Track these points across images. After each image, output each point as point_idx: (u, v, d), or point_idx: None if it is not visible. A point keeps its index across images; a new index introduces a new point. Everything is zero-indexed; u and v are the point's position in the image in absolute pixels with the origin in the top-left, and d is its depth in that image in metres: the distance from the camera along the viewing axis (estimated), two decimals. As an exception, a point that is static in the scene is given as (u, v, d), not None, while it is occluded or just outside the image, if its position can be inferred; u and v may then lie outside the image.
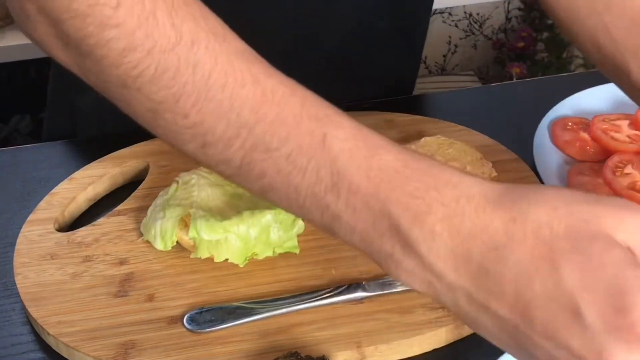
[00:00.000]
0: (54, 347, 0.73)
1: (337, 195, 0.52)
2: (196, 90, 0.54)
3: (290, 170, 0.53)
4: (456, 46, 2.47)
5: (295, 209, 0.55)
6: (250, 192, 0.59)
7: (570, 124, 0.94)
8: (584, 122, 0.94)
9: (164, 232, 0.78)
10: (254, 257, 0.78)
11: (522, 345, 0.49)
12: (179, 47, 0.54)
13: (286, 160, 0.53)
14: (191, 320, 0.73)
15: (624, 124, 0.93)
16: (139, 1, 0.54)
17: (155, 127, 0.58)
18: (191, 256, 0.78)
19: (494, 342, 0.51)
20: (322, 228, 0.55)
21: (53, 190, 0.87)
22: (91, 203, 0.88)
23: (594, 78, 1.07)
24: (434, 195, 0.50)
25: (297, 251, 0.79)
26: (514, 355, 0.51)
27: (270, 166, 0.54)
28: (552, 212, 0.48)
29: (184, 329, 0.72)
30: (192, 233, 0.76)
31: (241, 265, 0.77)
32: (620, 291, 0.45)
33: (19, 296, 0.76)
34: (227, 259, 0.77)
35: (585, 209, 0.47)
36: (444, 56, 2.48)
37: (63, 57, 0.58)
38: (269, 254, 0.78)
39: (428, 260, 0.50)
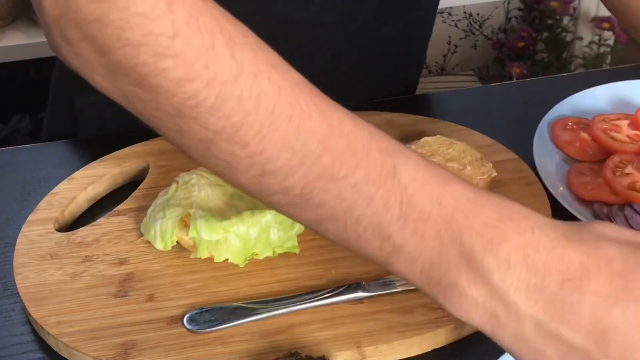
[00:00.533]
0: (54, 347, 0.73)
1: (403, 224, 0.53)
2: (259, 121, 0.54)
3: (355, 199, 0.54)
4: (456, 46, 2.47)
5: (352, 239, 0.56)
6: (302, 223, 0.59)
7: (570, 124, 0.94)
8: (584, 122, 0.94)
9: (164, 232, 0.78)
10: (254, 257, 0.78)
11: None
12: (242, 78, 0.54)
13: (352, 189, 0.54)
14: (191, 320, 0.73)
15: (624, 124, 0.93)
16: (197, 32, 0.53)
17: (207, 156, 0.57)
18: (191, 256, 0.78)
19: None
20: (375, 259, 0.55)
21: (53, 190, 0.87)
22: (91, 203, 0.88)
23: (594, 78, 1.07)
24: (509, 224, 0.52)
25: (297, 251, 0.79)
26: None
27: (332, 196, 0.54)
28: (621, 248, 0.51)
29: (184, 329, 0.72)
30: (192, 233, 0.76)
31: (241, 266, 0.77)
32: None
33: (19, 296, 0.76)
34: (227, 259, 0.77)
35: None
36: (444, 56, 2.48)
37: (105, 84, 0.58)
38: (269, 254, 0.78)
39: (499, 288, 0.51)
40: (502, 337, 0.52)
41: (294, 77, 0.56)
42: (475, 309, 0.52)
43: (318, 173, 0.54)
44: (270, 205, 0.58)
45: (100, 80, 0.58)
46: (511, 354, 0.53)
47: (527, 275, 0.51)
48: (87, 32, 0.55)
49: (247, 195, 0.80)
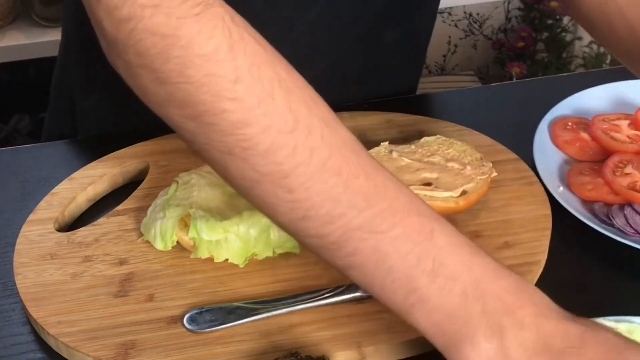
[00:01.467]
0: (54, 347, 0.73)
1: (433, 279, 0.58)
2: (309, 172, 0.58)
3: (390, 252, 0.59)
4: (456, 46, 2.47)
5: (376, 287, 0.60)
6: (330, 264, 0.62)
7: (570, 124, 0.94)
8: (584, 122, 0.94)
9: (164, 232, 0.78)
10: (254, 257, 0.78)
11: None
12: (297, 132, 0.58)
13: (391, 243, 0.58)
14: (191, 320, 0.73)
15: (624, 124, 0.93)
16: (258, 80, 0.57)
17: (249, 194, 0.61)
18: (191, 256, 0.78)
19: None
20: (395, 308, 0.60)
21: (53, 190, 0.87)
22: (91, 203, 0.88)
23: (594, 78, 1.07)
24: (525, 295, 0.59)
25: (297, 251, 0.79)
26: None
27: (368, 246, 0.59)
28: (616, 335, 0.60)
29: (184, 329, 0.72)
30: (192, 233, 0.76)
31: (241, 266, 0.77)
32: None
33: (19, 296, 0.76)
34: (227, 259, 0.77)
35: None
36: (444, 56, 2.48)
37: (157, 108, 0.61)
38: (269, 254, 0.78)
39: (510, 345, 0.57)
40: None
41: (342, 135, 0.60)
42: None
43: (358, 224, 0.59)
44: (302, 244, 0.63)
45: (152, 104, 0.60)
46: None
47: (536, 337, 0.57)
48: (147, 62, 0.57)
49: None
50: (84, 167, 0.90)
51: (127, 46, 0.58)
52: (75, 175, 0.89)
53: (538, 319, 0.58)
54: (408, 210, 0.59)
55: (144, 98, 0.61)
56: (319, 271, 0.78)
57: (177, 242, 0.79)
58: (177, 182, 0.82)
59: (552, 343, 0.57)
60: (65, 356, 0.72)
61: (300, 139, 0.58)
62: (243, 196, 0.62)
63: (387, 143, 0.87)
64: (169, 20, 0.56)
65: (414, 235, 0.59)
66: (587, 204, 0.86)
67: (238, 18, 0.59)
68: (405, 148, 0.86)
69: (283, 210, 0.60)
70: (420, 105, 1.06)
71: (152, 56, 0.57)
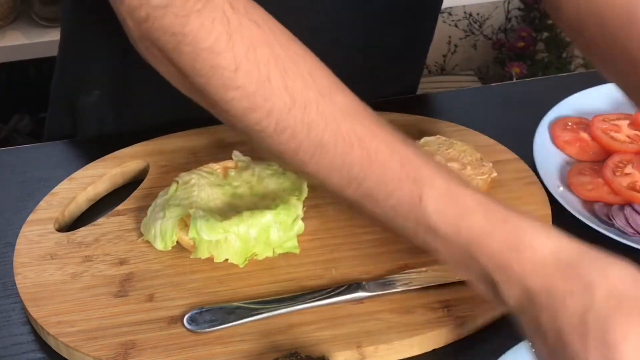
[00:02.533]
0: (54, 347, 0.73)
1: (433, 239, 0.62)
2: (311, 148, 0.62)
3: (394, 216, 0.63)
4: (456, 46, 2.47)
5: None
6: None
7: (570, 124, 0.94)
8: (584, 122, 0.94)
9: (164, 232, 0.78)
10: (254, 258, 0.78)
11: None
12: (294, 110, 0.62)
13: (392, 210, 0.63)
14: (191, 320, 0.73)
15: (624, 124, 0.93)
16: (255, 65, 0.61)
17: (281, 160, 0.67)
18: (191, 256, 0.78)
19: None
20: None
21: (53, 190, 0.87)
22: (91, 203, 0.88)
23: (594, 78, 1.07)
24: (514, 255, 0.59)
25: (297, 251, 0.79)
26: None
27: (378, 210, 0.64)
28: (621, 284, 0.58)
29: (184, 329, 0.72)
30: (192, 233, 0.76)
31: (241, 266, 0.77)
32: None
33: (19, 296, 0.76)
34: (227, 259, 0.77)
35: None
36: (444, 56, 2.48)
37: (185, 91, 0.66)
38: (269, 254, 0.78)
39: (501, 290, 0.60)
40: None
41: (339, 103, 0.63)
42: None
43: (363, 194, 0.63)
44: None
45: (183, 92, 0.66)
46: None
47: (520, 291, 0.59)
48: (168, 56, 0.62)
49: (247, 195, 0.80)
50: (84, 167, 0.90)
51: (150, 42, 0.63)
52: (75, 175, 0.89)
53: (523, 279, 0.59)
54: (398, 177, 0.62)
55: (176, 87, 0.66)
56: (319, 271, 0.78)
57: (177, 242, 0.79)
58: (177, 182, 0.82)
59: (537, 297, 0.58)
60: (65, 356, 0.72)
61: (299, 116, 0.62)
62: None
63: (387, 143, 0.87)
64: (177, 19, 0.61)
65: (407, 203, 0.62)
66: (587, 204, 0.86)
67: (238, 3, 0.61)
68: (405, 148, 0.86)
69: (310, 177, 0.66)
70: (420, 105, 1.06)
71: (169, 52, 0.62)
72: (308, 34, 0.67)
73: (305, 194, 0.80)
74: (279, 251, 0.78)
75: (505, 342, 0.69)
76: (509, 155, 0.90)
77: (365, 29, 0.96)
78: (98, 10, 0.69)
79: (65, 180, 0.88)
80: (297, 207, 0.78)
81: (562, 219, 0.83)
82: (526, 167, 0.88)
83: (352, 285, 0.75)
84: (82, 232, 0.82)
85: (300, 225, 0.78)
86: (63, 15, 1.03)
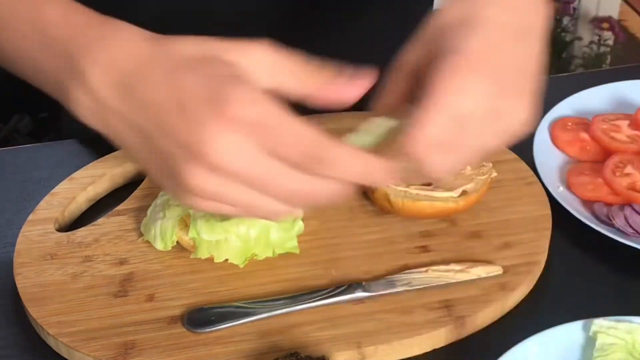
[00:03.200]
0: (54, 347, 0.73)
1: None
2: None
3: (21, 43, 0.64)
4: (456, 46, 2.47)
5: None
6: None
7: (570, 124, 0.94)
8: (584, 122, 0.94)
9: (164, 232, 0.78)
10: (254, 258, 0.78)
11: (157, 154, 0.57)
12: None
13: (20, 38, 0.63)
14: (191, 320, 0.73)
15: (624, 124, 0.93)
16: None
17: None
18: (191, 256, 0.78)
19: (140, 162, 0.60)
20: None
21: (53, 190, 0.87)
22: (91, 203, 0.88)
23: (594, 78, 1.07)
24: (98, 31, 0.59)
25: (297, 251, 0.79)
26: (153, 174, 0.59)
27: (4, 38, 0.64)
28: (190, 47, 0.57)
29: (184, 329, 0.72)
30: (192, 233, 0.76)
31: (241, 266, 0.77)
32: (217, 89, 0.54)
33: (19, 296, 0.76)
34: (227, 259, 0.77)
35: (217, 46, 0.57)
36: (444, 56, 2.47)
37: None
38: (269, 254, 0.78)
39: (92, 86, 0.58)
40: (108, 130, 0.59)
41: None
42: (85, 110, 0.59)
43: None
44: None
45: None
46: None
47: (109, 77, 0.57)
48: None
49: None
50: (84, 167, 0.90)
51: None
52: (75, 175, 0.89)
53: (102, 52, 0.58)
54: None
55: None
56: (319, 271, 0.78)
57: (177, 242, 0.79)
58: (177, 182, 0.82)
59: (124, 67, 0.57)
60: (65, 356, 0.72)
61: None
62: None
63: (387, 143, 0.87)
64: None
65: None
66: (587, 204, 0.86)
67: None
68: (405, 148, 0.87)
69: None
70: (420, 105, 1.06)
71: None
72: (307, 38, 0.68)
73: (305, 194, 0.81)
74: (279, 251, 0.78)
75: (505, 342, 0.69)
76: (509, 155, 0.90)
77: (365, 36, 0.96)
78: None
79: (65, 180, 0.88)
80: (297, 207, 0.78)
81: (562, 219, 0.83)
82: (526, 167, 0.88)
83: (352, 285, 0.75)
84: (82, 232, 0.82)
85: (300, 226, 0.78)
86: None
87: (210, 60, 0.55)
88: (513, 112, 0.61)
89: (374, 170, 0.56)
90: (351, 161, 0.55)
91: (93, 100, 0.58)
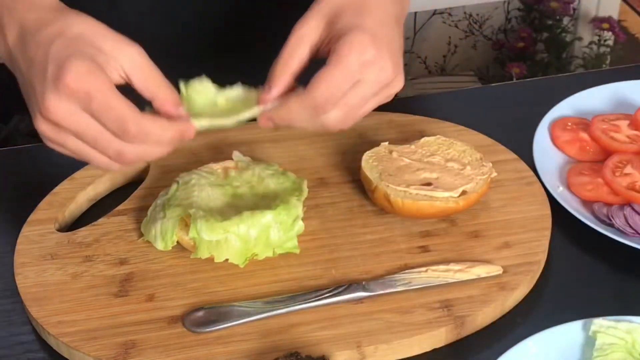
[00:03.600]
0: (55, 347, 0.73)
1: None
2: None
3: None
4: (456, 46, 2.48)
5: None
6: None
7: (570, 124, 0.94)
8: (583, 122, 0.95)
9: (164, 232, 0.78)
10: (254, 258, 0.78)
11: (26, 96, 0.71)
12: None
13: None
14: (191, 320, 0.73)
15: (624, 124, 0.93)
16: None
17: None
18: (191, 256, 0.78)
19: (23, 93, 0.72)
20: None
21: (53, 190, 0.87)
22: (91, 203, 0.88)
23: (594, 78, 1.08)
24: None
25: (297, 251, 0.79)
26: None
27: None
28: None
29: (184, 329, 0.72)
30: (192, 233, 0.76)
31: (241, 266, 0.77)
32: (68, 59, 0.66)
33: (20, 296, 0.76)
34: (227, 259, 0.77)
35: (101, 32, 0.69)
36: (444, 56, 2.48)
37: None
38: (269, 254, 0.78)
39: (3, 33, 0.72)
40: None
41: None
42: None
43: None
44: None
45: None
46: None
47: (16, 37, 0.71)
48: None
49: (247, 195, 0.80)
50: (84, 167, 0.90)
51: None
52: (75, 175, 0.89)
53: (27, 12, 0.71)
54: None
55: None
56: (319, 271, 0.78)
57: (178, 242, 0.79)
58: (178, 182, 0.82)
59: (28, 26, 0.70)
60: (66, 356, 0.72)
61: None
62: None
63: (387, 143, 0.87)
64: None
65: None
66: (587, 204, 0.86)
67: None
68: (405, 148, 0.87)
69: None
70: (420, 105, 1.06)
71: None
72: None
73: (305, 194, 0.81)
74: (279, 251, 0.79)
75: (505, 342, 0.69)
76: (509, 155, 0.90)
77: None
78: (90, 13, 0.70)
79: (65, 180, 0.88)
80: (297, 207, 0.78)
81: (562, 219, 0.83)
82: (526, 167, 0.88)
83: (352, 285, 0.75)
84: (83, 232, 0.83)
85: (300, 226, 0.78)
86: None
87: (84, 39, 0.68)
88: (396, 83, 0.73)
89: (171, 132, 0.69)
90: (152, 129, 0.67)
91: (7, 46, 0.72)
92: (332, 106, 0.70)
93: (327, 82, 0.69)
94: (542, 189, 0.85)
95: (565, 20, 2.40)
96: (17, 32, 0.71)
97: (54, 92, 0.66)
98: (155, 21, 0.98)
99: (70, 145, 0.69)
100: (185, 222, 0.78)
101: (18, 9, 0.71)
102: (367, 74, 0.70)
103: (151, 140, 0.68)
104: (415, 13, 2.38)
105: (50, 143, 0.69)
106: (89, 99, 0.65)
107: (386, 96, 0.74)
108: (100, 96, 0.66)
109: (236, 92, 0.74)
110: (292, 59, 0.72)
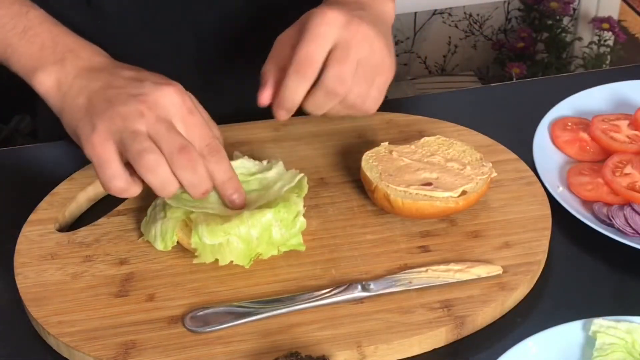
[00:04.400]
0: (55, 347, 0.73)
1: (21, 37, 0.80)
2: None
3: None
4: (456, 46, 2.48)
5: None
6: None
7: (570, 124, 0.94)
8: (583, 122, 0.95)
9: (164, 232, 0.78)
10: (259, 257, 0.78)
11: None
12: None
13: None
14: (191, 320, 0.73)
15: (624, 124, 0.93)
16: None
17: None
18: (194, 261, 0.77)
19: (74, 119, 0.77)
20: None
21: (53, 190, 0.87)
22: (91, 203, 0.88)
23: (594, 78, 1.08)
24: (82, 49, 0.80)
25: (302, 248, 0.79)
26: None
27: None
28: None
29: (184, 329, 0.72)
30: (194, 239, 0.76)
31: (246, 267, 0.77)
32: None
33: (20, 296, 0.76)
34: (232, 261, 0.77)
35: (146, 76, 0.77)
36: (444, 56, 2.48)
37: None
38: (274, 252, 0.78)
39: (69, 68, 0.78)
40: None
41: None
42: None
43: None
44: None
45: None
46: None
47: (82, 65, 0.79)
48: None
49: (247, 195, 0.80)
50: (84, 167, 0.90)
51: None
52: (75, 175, 0.89)
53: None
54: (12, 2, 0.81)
55: None
56: (319, 271, 0.78)
57: (178, 242, 0.79)
58: (178, 182, 0.82)
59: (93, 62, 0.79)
60: (66, 356, 0.72)
61: None
62: None
63: (387, 143, 0.87)
64: None
65: (12, 14, 0.80)
66: (587, 204, 0.86)
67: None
68: (405, 148, 0.87)
69: None
70: (420, 105, 1.06)
71: None
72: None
73: (305, 190, 0.80)
74: (283, 249, 0.78)
75: (505, 342, 0.69)
76: (509, 155, 0.90)
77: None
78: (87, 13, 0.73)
79: (65, 180, 0.88)
80: (297, 204, 0.78)
81: (562, 219, 0.83)
82: (526, 167, 0.88)
83: (352, 285, 0.75)
84: (83, 232, 0.83)
85: (302, 222, 0.78)
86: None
87: (140, 78, 0.76)
88: (386, 58, 0.79)
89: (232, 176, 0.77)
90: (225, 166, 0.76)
91: (62, 79, 0.78)
92: (314, 71, 0.76)
93: (302, 51, 0.76)
94: (542, 189, 0.85)
95: (565, 20, 2.40)
96: (82, 66, 0.78)
97: (158, 89, 0.73)
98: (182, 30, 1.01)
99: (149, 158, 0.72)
100: (185, 223, 0.78)
101: (79, 48, 0.80)
102: (344, 37, 0.76)
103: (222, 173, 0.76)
104: (415, 13, 2.38)
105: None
106: (181, 115, 0.73)
107: (380, 65, 0.79)
108: (191, 114, 0.74)
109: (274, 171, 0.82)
110: (273, 59, 0.79)
